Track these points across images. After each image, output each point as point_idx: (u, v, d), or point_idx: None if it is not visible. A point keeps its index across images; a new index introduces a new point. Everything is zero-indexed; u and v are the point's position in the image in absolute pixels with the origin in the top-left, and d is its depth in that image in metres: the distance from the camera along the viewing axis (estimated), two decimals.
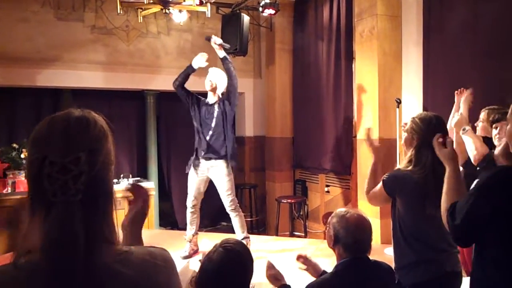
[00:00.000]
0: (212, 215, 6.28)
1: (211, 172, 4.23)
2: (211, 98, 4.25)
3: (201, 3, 4.57)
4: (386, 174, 2.33)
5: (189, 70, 4.21)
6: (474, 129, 2.91)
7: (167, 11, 4.53)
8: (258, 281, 2.24)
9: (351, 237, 1.92)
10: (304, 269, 2.19)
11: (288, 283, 2.06)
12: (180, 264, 3.37)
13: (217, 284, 1.71)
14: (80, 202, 0.84)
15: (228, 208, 4.22)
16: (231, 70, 4.12)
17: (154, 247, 0.97)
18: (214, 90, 4.22)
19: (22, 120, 5.77)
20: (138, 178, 6.00)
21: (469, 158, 2.68)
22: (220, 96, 4.23)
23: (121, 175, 5.49)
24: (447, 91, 3.87)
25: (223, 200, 4.23)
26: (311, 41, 6.18)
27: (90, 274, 0.84)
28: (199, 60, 4.21)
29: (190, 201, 4.31)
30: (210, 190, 4.41)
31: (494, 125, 2.74)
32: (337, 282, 1.93)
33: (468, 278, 1.64)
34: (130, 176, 5.84)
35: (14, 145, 4.99)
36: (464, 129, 2.69)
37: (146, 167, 6.50)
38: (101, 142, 0.90)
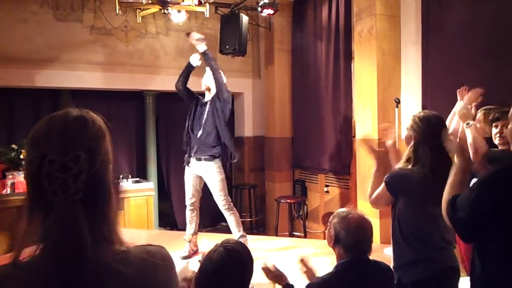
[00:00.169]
0: (212, 215, 6.27)
1: (202, 173, 4.26)
2: (207, 97, 4.34)
3: (199, 3, 4.57)
4: (387, 175, 2.33)
5: (190, 68, 4.30)
6: None
7: (165, 11, 4.54)
8: (258, 281, 2.24)
9: (352, 238, 1.92)
10: (304, 272, 2.20)
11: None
12: (179, 265, 3.37)
13: (217, 284, 1.71)
14: (80, 201, 0.83)
15: (222, 208, 4.25)
16: (212, 64, 4.17)
17: (152, 245, 0.97)
18: (208, 90, 4.32)
19: (21, 120, 5.75)
20: (138, 179, 6.01)
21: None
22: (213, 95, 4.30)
23: (120, 176, 5.48)
24: (446, 91, 3.87)
25: (216, 201, 4.26)
26: (310, 41, 6.18)
27: (90, 273, 0.83)
28: (194, 58, 4.29)
29: (188, 199, 4.34)
30: (210, 190, 4.41)
31: (494, 124, 2.74)
32: (337, 282, 1.93)
33: (467, 277, 1.64)
34: (130, 176, 5.84)
35: (13, 145, 4.97)
36: (468, 123, 2.69)
37: (145, 167, 6.50)
38: (99, 141, 0.91)
